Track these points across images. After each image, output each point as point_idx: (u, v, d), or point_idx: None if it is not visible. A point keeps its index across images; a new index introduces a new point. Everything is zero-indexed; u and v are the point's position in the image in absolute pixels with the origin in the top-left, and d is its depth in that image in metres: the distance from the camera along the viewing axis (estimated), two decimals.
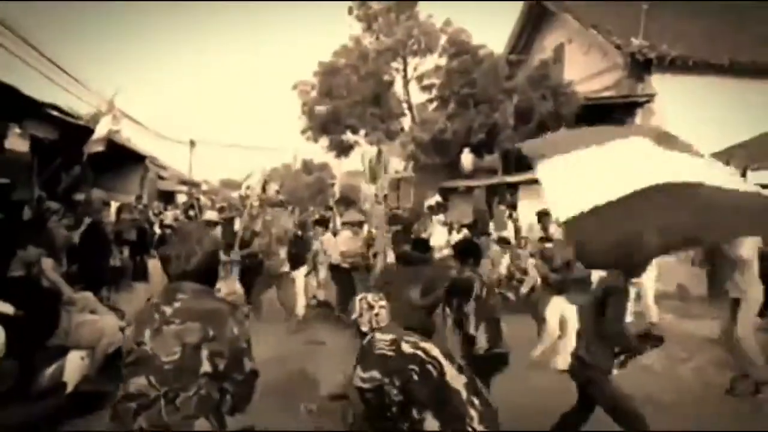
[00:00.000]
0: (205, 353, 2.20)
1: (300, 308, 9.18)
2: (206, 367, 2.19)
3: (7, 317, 4.35)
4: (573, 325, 6.04)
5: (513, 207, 11.77)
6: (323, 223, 11.42)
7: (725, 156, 10.48)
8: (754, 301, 5.95)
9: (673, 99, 13.15)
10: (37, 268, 4.95)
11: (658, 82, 13.68)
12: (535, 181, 12.40)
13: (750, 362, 5.89)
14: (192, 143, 31.63)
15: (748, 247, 5.79)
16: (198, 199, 28.99)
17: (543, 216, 9.54)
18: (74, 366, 4.78)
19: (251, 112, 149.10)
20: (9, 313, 4.37)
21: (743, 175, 10.73)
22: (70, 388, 4.72)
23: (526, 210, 11.17)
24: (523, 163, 14.91)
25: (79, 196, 8.79)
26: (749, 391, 5.86)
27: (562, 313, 6.68)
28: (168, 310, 2.27)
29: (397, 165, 24.18)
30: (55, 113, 7.52)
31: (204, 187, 34.62)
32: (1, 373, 4.28)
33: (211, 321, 2.24)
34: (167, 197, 25.62)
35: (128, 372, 2.24)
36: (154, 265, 10.92)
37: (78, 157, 8.24)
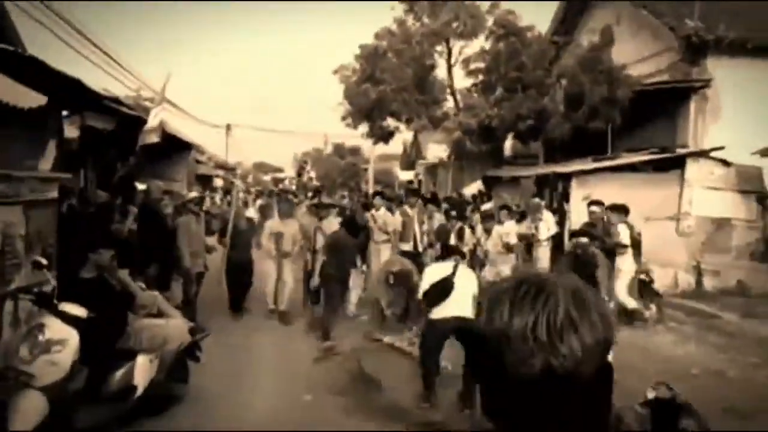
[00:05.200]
0: None
1: None
2: None
3: (79, 319, 4.27)
4: None
5: (565, 198, 11.39)
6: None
7: None
8: None
9: (730, 84, 12.57)
10: (109, 269, 4.85)
11: (714, 67, 13.07)
12: (587, 172, 11.85)
13: None
14: (228, 127, 31.84)
15: None
16: (233, 184, 29.09)
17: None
18: (143, 369, 4.69)
19: (285, 97, 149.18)
20: (81, 315, 4.28)
21: None
22: (139, 391, 4.63)
23: (579, 201, 10.81)
24: (572, 152, 14.48)
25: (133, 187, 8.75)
26: None
27: None
28: None
29: (435, 150, 23.76)
30: (114, 105, 7.44)
31: (238, 171, 34.70)
32: (73, 375, 4.20)
33: None
34: (204, 181, 25.69)
35: None
36: None
37: (131, 147, 8.18)
